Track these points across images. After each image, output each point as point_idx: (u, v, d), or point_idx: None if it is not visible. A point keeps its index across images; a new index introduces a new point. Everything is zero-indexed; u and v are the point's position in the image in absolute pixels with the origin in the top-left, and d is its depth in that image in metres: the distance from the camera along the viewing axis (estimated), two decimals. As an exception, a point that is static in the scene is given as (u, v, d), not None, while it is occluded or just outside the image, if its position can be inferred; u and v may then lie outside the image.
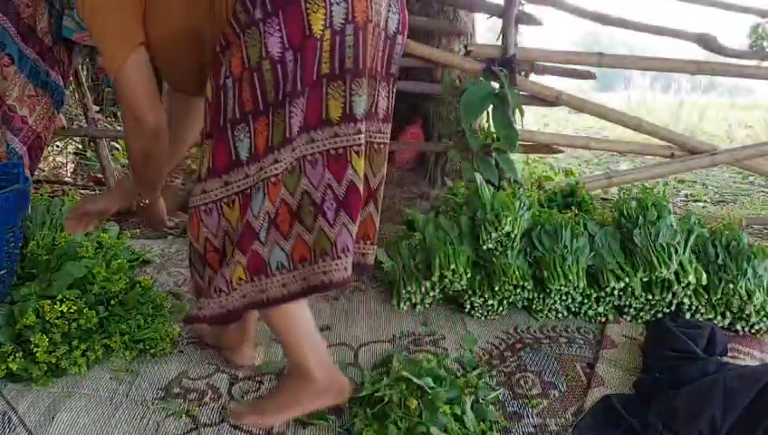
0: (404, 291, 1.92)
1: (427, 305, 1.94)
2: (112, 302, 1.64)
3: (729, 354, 1.68)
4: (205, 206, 1.25)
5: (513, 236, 1.91)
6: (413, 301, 1.93)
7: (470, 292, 1.89)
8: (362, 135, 1.21)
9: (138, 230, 2.50)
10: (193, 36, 1.32)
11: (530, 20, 2.81)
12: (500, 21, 2.74)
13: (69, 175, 3.71)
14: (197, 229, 1.27)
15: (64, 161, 3.79)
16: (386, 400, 1.32)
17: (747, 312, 1.81)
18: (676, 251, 1.86)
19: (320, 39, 1.13)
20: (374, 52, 1.24)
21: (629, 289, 1.85)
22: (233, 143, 1.20)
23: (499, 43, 2.72)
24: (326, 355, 1.34)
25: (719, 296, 1.82)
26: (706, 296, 1.84)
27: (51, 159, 3.80)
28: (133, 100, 1.30)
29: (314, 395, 1.31)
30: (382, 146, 1.35)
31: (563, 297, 1.88)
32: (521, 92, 2.72)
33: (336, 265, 1.23)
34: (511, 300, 1.89)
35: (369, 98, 1.25)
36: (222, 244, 1.26)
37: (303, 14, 1.11)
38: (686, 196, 4.01)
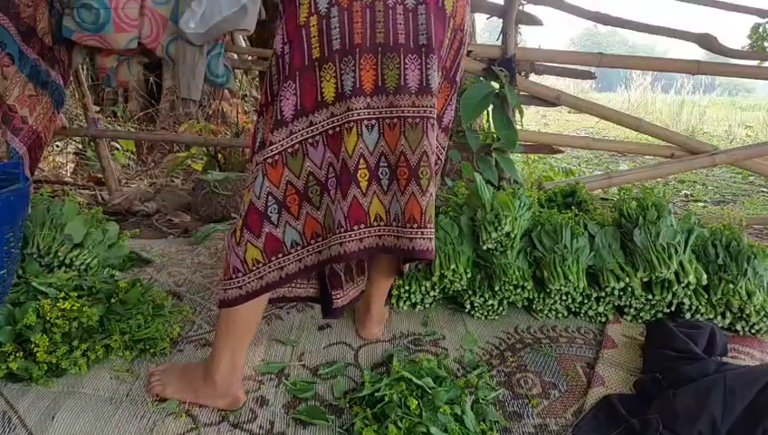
0: (404, 291, 1.92)
1: (427, 305, 1.94)
2: (112, 301, 1.64)
3: (729, 354, 1.68)
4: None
5: (513, 236, 1.91)
6: (413, 301, 1.93)
7: (470, 292, 1.90)
8: (353, 112, 1.28)
9: (137, 230, 2.50)
10: None
11: (530, 20, 2.81)
12: (500, 21, 2.74)
13: (69, 175, 3.71)
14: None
15: (64, 161, 3.79)
16: (386, 400, 1.32)
17: (747, 312, 1.81)
18: (676, 251, 1.86)
19: (304, 26, 1.23)
20: (387, 26, 1.25)
21: (629, 289, 1.85)
22: (258, 130, 1.39)
23: (499, 43, 2.72)
24: (236, 369, 1.40)
25: (719, 296, 1.83)
26: (706, 296, 1.85)
27: (51, 159, 3.80)
28: None
29: (210, 395, 1.39)
30: (417, 120, 1.30)
31: (563, 297, 1.88)
32: (521, 92, 2.72)
33: (350, 235, 1.32)
34: (511, 300, 1.89)
35: (372, 72, 1.27)
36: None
37: (297, 8, 1.24)
38: (686, 196, 4.01)
